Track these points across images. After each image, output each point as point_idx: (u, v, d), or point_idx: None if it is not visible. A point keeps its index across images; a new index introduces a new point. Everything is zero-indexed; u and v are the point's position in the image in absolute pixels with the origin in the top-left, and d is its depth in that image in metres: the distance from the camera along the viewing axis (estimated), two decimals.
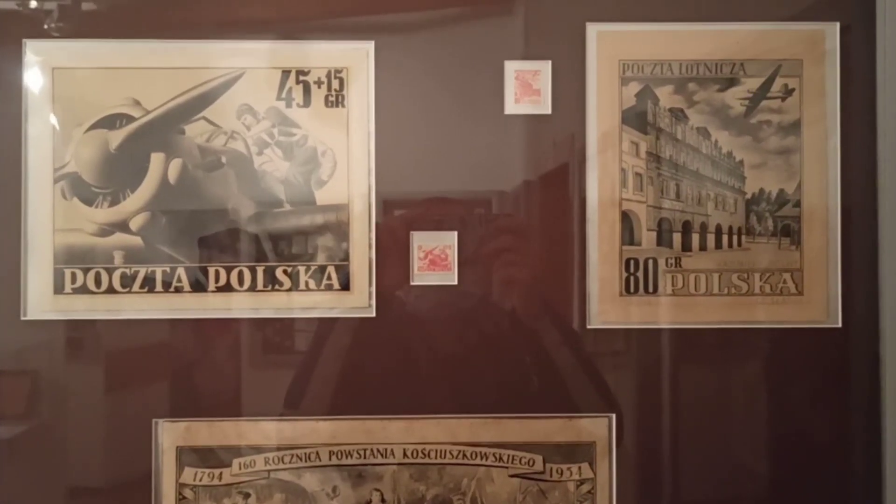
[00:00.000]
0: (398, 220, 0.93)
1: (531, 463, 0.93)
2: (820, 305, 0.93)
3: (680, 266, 0.94)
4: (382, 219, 0.92)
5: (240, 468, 0.92)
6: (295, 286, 0.92)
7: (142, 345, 0.92)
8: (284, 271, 0.92)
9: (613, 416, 0.93)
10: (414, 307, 0.93)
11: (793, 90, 0.94)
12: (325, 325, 0.93)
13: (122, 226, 0.91)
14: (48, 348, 0.91)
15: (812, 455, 0.94)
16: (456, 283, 0.92)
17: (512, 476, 0.93)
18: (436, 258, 0.93)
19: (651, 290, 0.93)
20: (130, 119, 0.92)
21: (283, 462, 0.92)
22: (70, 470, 0.91)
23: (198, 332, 0.92)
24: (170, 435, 0.91)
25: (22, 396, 0.92)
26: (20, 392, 0.92)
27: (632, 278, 0.93)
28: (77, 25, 0.92)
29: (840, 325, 0.93)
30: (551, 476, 0.93)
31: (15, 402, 0.91)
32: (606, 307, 0.93)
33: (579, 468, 0.93)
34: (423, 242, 0.93)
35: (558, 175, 0.93)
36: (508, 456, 0.93)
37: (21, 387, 0.92)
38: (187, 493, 0.91)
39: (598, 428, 0.93)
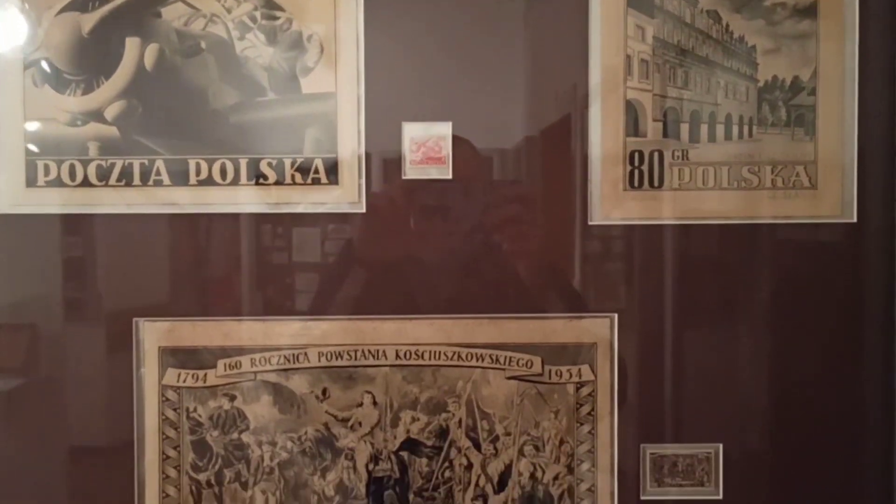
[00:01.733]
0: (389, 109, 0.87)
1: (529, 365, 0.89)
2: (834, 199, 0.89)
3: (687, 159, 0.88)
4: (372, 109, 0.87)
5: (225, 370, 0.88)
6: (280, 180, 0.87)
7: (118, 242, 0.88)
8: (269, 164, 0.87)
9: (615, 315, 0.89)
10: (406, 203, 0.88)
11: None
12: (313, 222, 0.88)
13: (97, 115, 0.86)
14: (22, 241, 0.87)
15: (823, 354, 0.90)
16: (450, 177, 0.88)
17: (509, 378, 0.89)
18: (429, 151, 0.88)
19: (656, 184, 0.88)
20: (104, 1, 0.86)
21: (269, 363, 0.88)
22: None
23: (177, 228, 0.87)
24: (151, 335, 0.87)
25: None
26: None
27: (636, 172, 0.88)
28: None
29: (855, 219, 0.88)
30: (550, 378, 0.89)
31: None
32: (609, 203, 0.88)
33: (579, 370, 0.89)
34: (416, 134, 0.88)
35: (557, 59, 0.88)
36: (505, 357, 0.89)
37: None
38: (170, 394, 0.88)
39: (599, 328, 0.89)
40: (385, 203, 0.87)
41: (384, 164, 0.88)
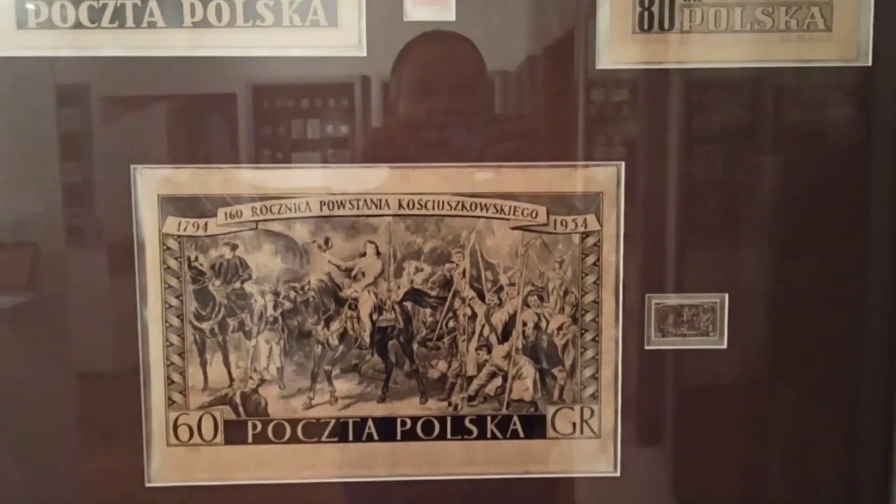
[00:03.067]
0: None
1: (534, 214, 0.88)
2: (850, 42, 0.86)
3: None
4: None
5: (226, 218, 0.87)
6: (278, 22, 0.84)
7: (112, 86, 0.85)
8: (266, 5, 0.84)
9: (622, 164, 0.87)
10: (409, 46, 0.85)
11: None
12: (312, 66, 0.85)
13: None
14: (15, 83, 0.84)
15: (832, 199, 0.88)
16: (454, 18, 0.85)
17: (514, 228, 0.88)
18: None
19: (667, 26, 0.86)
20: None
21: (271, 212, 0.87)
22: None
23: (173, 72, 0.85)
24: (149, 182, 0.86)
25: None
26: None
27: (646, 14, 0.85)
28: None
29: (870, 63, 0.86)
30: (555, 228, 0.88)
31: None
32: (617, 46, 0.86)
33: (585, 220, 0.88)
34: None
35: None
36: (510, 207, 0.87)
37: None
38: (171, 243, 0.87)
39: (605, 177, 0.87)
40: (387, 47, 0.85)
41: (387, 4, 0.84)
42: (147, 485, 0.88)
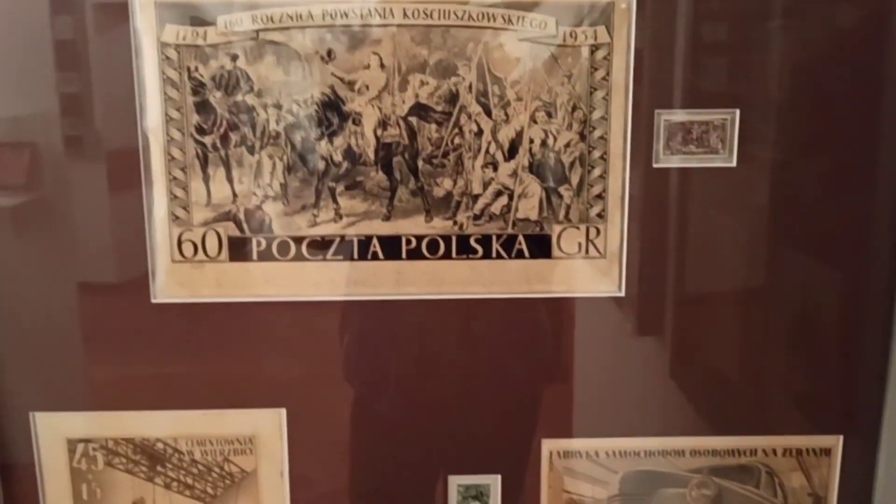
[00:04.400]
0: None
1: (543, 25, 0.85)
2: None
3: None
4: None
5: (226, 27, 0.84)
6: None
7: None
8: None
9: None
10: None
11: None
12: None
13: None
14: None
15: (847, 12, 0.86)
16: None
17: (522, 40, 0.85)
18: None
19: None
20: None
21: (272, 21, 0.84)
22: None
23: None
24: None
25: None
26: None
27: None
28: None
29: None
30: (564, 40, 0.85)
31: None
32: None
33: (595, 32, 0.85)
34: None
35: None
36: (518, 17, 0.85)
37: None
38: (170, 52, 0.84)
39: None
40: None
41: None
42: (153, 301, 0.89)
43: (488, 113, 0.87)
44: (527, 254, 0.90)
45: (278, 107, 0.86)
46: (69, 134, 0.86)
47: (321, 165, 0.87)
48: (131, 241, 0.87)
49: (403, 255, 0.89)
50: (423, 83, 0.86)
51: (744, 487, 0.95)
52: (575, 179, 0.89)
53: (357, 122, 0.87)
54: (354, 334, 0.91)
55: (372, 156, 0.88)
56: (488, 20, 0.85)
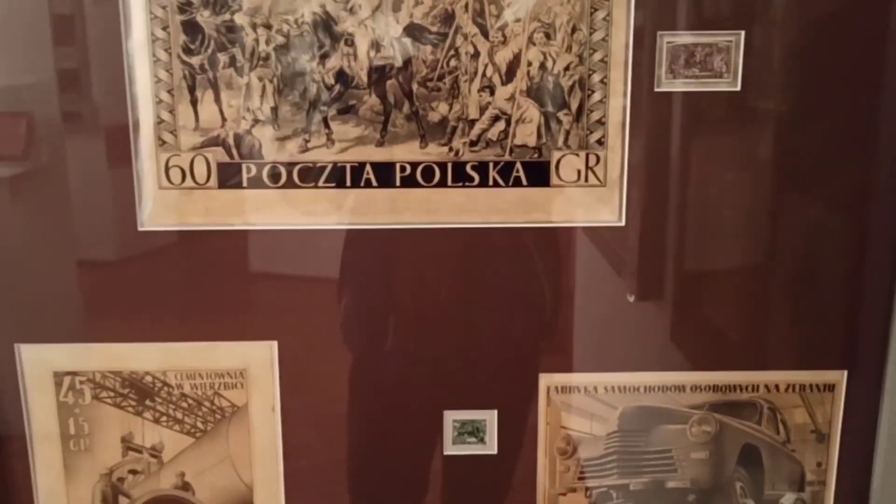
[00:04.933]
0: None
1: None
2: None
3: None
4: None
5: None
6: None
7: None
8: None
9: None
10: None
11: None
12: None
13: None
14: None
15: None
16: None
17: None
18: None
19: None
20: None
21: None
22: None
23: None
24: None
25: None
26: None
27: None
28: None
29: None
30: None
31: None
32: None
33: None
34: None
35: None
36: None
37: None
38: None
39: None
40: None
41: None
42: (139, 229, 0.86)
43: (485, 34, 0.84)
44: (524, 181, 0.87)
45: (267, 26, 0.83)
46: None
47: (313, 88, 0.85)
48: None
49: (397, 182, 0.87)
50: (417, 2, 0.83)
51: (745, 424, 0.93)
52: (574, 104, 0.86)
53: (350, 44, 0.84)
54: (347, 264, 0.89)
55: (365, 79, 0.85)
56: None
